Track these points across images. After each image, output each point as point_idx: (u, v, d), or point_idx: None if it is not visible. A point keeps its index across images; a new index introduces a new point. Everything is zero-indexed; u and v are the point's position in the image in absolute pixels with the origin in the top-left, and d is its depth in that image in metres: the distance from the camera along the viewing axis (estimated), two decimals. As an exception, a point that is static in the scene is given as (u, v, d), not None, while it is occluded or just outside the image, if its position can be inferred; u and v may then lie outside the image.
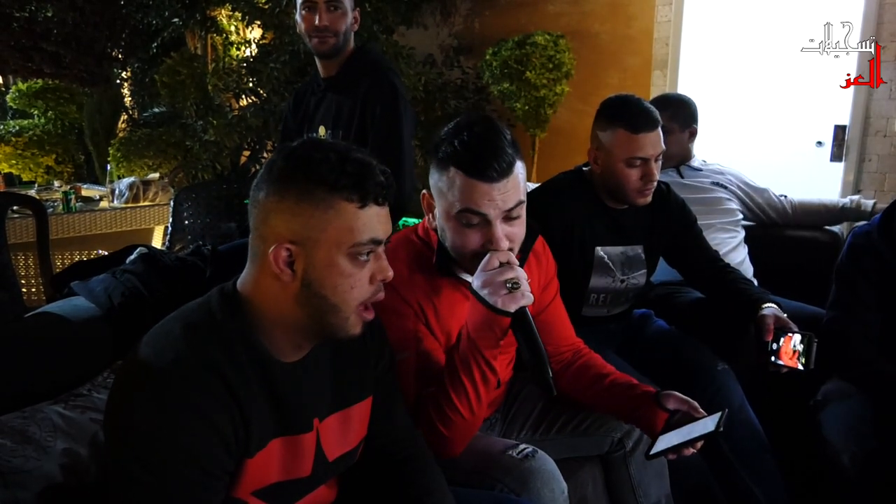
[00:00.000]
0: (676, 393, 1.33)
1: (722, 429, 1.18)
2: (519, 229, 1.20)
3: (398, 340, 1.20)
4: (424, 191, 1.25)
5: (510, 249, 1.17)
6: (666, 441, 1.23)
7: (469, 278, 1.22)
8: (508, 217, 1.16)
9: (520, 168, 1.17)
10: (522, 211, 1.20)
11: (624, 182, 1.67)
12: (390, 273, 0.94)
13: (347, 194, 0.88)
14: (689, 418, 1.26)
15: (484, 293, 1.13)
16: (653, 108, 1.66)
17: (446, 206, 1.17)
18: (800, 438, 1.70)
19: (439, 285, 1.28)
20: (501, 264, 1.13)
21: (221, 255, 1.67)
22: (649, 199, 1.70)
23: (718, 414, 1.21)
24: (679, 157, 2.31)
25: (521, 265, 1.33)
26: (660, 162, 1.68)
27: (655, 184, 1.69)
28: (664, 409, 1.31)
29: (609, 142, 1.67)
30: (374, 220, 0.91)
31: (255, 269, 0.92)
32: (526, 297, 1.12)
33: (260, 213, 0.91)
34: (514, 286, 1.11)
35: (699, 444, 1.23)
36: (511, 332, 1.18)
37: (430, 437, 1.20)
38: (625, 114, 1.65)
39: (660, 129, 1.66)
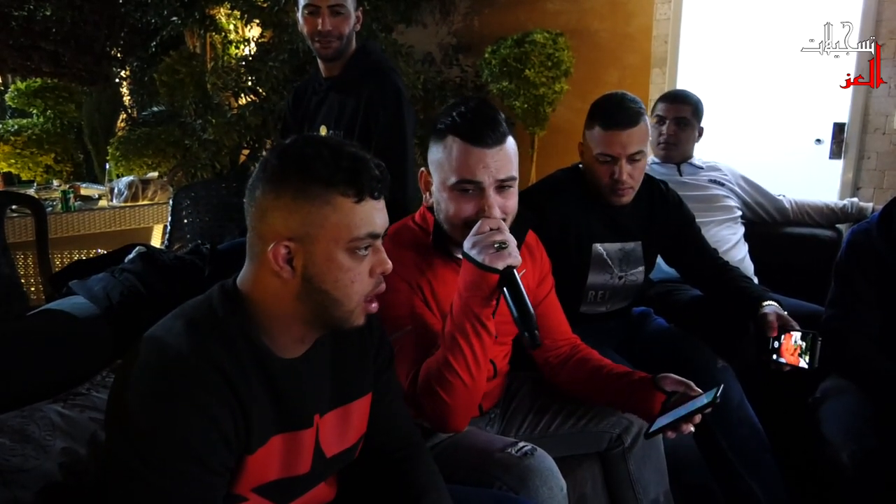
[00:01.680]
0: (673, 375, 1.34)
1: (719, 400, 1.20)
2: (512, 202, 1.26)
3: (396, 317, 1.24)
4: (423, 168, 1.31)
5: (503, 220, 1.24)
6: (664, 419, 1.24)
7: (460, 254, 1.27)
8: (501, 187, 1.23)
9: (512, 144, 1.26)
10: (515, 185, 1.27)
11: (597, 179, 1.68)
12: (389, 265, 0.95)
13: (343, 189, 0.89)
14: (687, 398, 1.27)
15: (473, 252, 1.18)
16: (634, 107, 1.63)
17: (443, 177, 1.25)
18: (799, 436, 1.70)
19: (435, 266, 1.33)
20: (491, 230, 1.18)
21: (220, 254, 1.66)
22: (625, 199, 1.68)
23: (714, 389, 1.22)
24: (686, 154, 2.34)
25: None
26: (640, 163, 1.65)
27: (629, 184, 1.66)
28: (661, 391, 1.32)
29: (588, 137, 1.68)
30: (370, 214, 0.91)
31: (255, 266, 0.93)
32: (513, 257, 1.17)
33: (257, 211, 0.91)
34: (501, 246, 1.16)
35: (697, 418, 1.24)
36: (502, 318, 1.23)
37: (432, 408, 1.22)
38: (602, 110, 1.65)
39: (640, 128, 1.63)
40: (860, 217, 2.38)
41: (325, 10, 1.99)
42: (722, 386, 1.23)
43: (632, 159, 1.63)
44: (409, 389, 1.23)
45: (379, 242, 0.94)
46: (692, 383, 1.31)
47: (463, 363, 1.19)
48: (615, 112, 1.62)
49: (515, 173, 1.25)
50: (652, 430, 1.26)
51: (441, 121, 1.25)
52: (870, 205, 2.44)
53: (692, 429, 1.25)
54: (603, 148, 1.63)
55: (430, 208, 1.33)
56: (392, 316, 1.23)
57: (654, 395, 1.33)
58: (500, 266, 1.16)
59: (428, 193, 1.31)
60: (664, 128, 2.31)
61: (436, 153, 1.26)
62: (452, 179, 1.22)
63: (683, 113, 2.30)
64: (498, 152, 1.21)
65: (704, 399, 1.22)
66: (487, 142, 1.20)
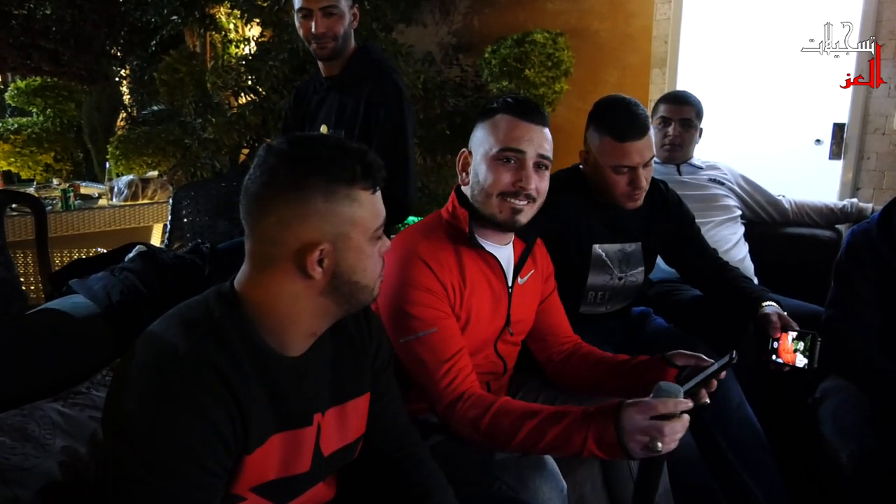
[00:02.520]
0: (682, 350, 1.34)
1: (735, 360, 1.18)
2: (545, 185, 1.35)
3: (428, 317, 1.27)
4: (464, 149, 1.38)
5: (534, 199, 1.32)
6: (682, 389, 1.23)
7: (491, 248, 1.35)
8: (539, 165, 1.32)
9: (549, 133, 1.36)
10: (549, 169, 1.36)
11: (612, 187, 1.67)
12: (388, 243, 1.00)
13: (362, 184, 0.93)
14: (699, 370, 1.26)
15: (626, 431, 1.09)
16: (642, 113, 1.62)
17: (486, 149, 1.32)
18: (799, 436, 1.70)
19: (465, 264, 1.35)
20: (656, 425, 1.07)
21: (220, 254, 1.67)
22: (639, 203, 1.69)
23: (728, 355, 1.19)
24: (687, 155, 2.35)
25: (528, 253, 1.43)
26: (650, 167, 1.66)
27: (645, 189, 1.67)
28: (673, 366, 1.32)
29: (596, 147, 1.66)
30: (380, 202, 0.97)
31: (267, 272, 0.92)
32: (657, 452, 1.09)
33: (276, 221, 0.90)
34: (653, 447, 1.07)
35: (714, 384, 1.23)
36: None
37: (460, 424, 1.23)
38: (612, 122, 1.63)
39: (650, 135, 1.63)
40: (860, 217, 2.38)
41: (318, 12, 1.98)
42: (735, 351, 1.20)
43: (646, 165, 1.64)
44: (444, 391, 1.25)
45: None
46: (703, 355, 1.31)
47: (524, 448, 1.20)
48: (628, 124, 1.61)
49: (551, 156, 1.34)
50: None
51: (492, 102, 1.35)
52: (869, 205, 2.45)
53: (707, 400, 1.22)
54: (619, 160, 1.62)
55: (460, 200, 1.36)
56: (420, 316, 1.26)
57: (667, 371, 1.33)
58: (640, 457, 1.12)
59: (464, 174, 1.37)
60: (670, 129, 2.31)
61: (481, 131, 1.34)
62: (496, 148, 1.30)
63: (688, 115, 2.30)
64: (541, 130, 1.32)
65: (717, 365, 1.21)
66: (535, 118, 1.31)
